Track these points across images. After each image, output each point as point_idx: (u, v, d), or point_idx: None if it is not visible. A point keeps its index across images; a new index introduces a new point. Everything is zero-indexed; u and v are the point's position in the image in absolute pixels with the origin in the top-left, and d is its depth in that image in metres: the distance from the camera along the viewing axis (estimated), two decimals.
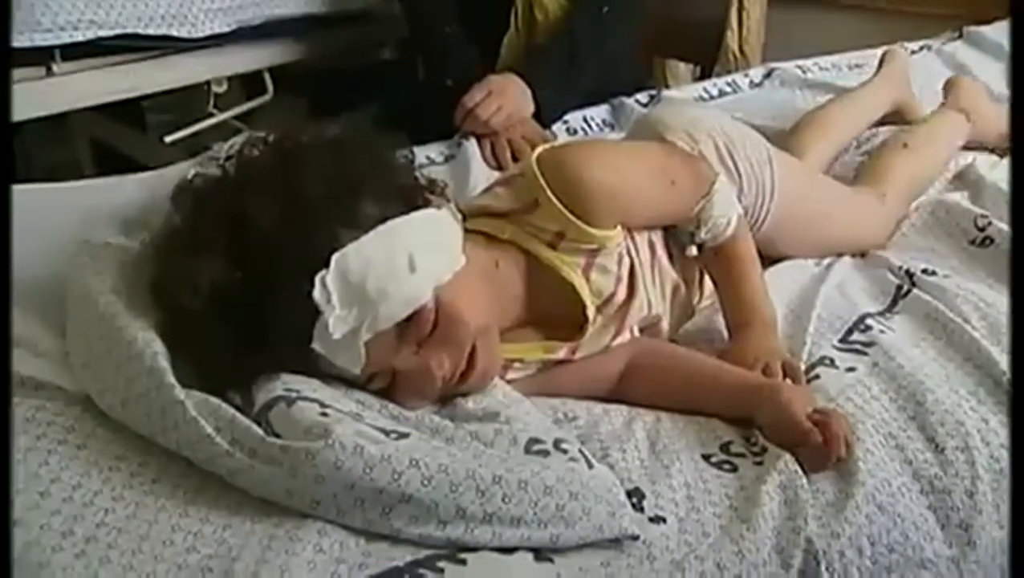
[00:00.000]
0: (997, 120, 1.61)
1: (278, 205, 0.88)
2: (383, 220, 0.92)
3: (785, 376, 1.03)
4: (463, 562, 0.77)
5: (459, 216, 1.03)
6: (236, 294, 0.86)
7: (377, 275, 0.89)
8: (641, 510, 0.85)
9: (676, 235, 1.18)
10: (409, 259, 0.90)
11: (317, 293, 0.87)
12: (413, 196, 0.98)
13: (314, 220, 0.88)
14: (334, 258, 0.88)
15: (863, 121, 1.68)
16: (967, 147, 1.61)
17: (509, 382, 1.03)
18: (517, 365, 1.05)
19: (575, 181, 1.02)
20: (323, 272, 0.87)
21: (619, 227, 1.06)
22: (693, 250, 1.16)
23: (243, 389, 0.89)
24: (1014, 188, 1.08)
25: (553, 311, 1.07)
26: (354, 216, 0.91)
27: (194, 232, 0.91)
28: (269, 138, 0.98)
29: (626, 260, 1.08)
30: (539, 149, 1.06)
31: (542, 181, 1.01)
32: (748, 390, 1.01)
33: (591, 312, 1.06)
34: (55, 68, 1.85)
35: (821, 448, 0.91)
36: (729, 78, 1.96)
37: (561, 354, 1.07)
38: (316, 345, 0.89)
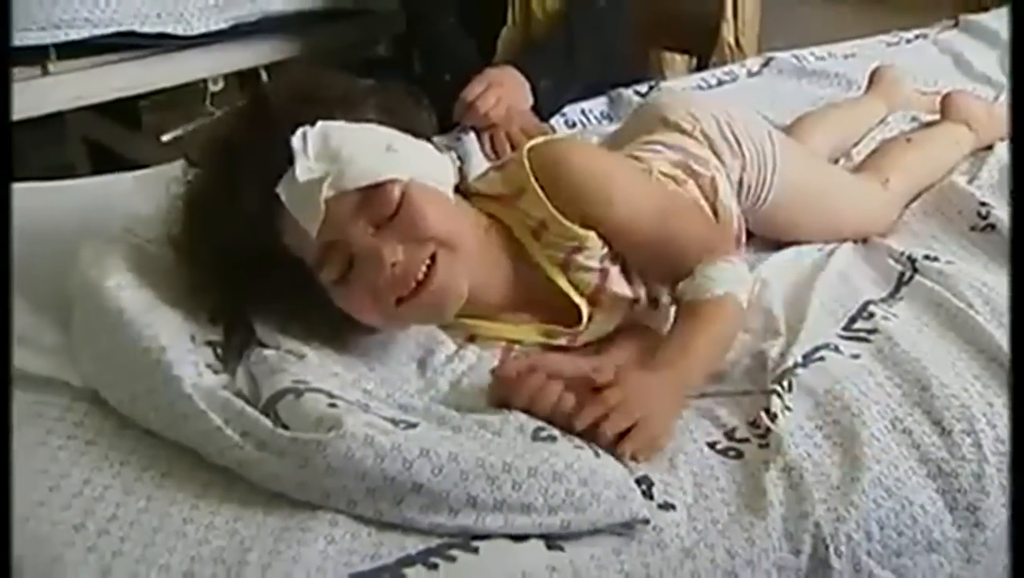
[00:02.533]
0: (999, 123, 1.61)
1: (284, 103, 0.97)
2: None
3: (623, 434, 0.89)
4: (475, 550, 0.77)
5: (456, 167, 1.06)
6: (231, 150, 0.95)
7: (354, 144, 0.94)
8: (651, 498, 0.85)
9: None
10: (388, 143, 0.96)
11: (296, 139, 0.92)
12: (417, 131, 1.02)
13: (315, 110, 0.95)
14: (320, 123, 0.94)
15: (858, 126, 1.68)
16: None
17: None
18: (516, 348, 1.06)
19: (560, 172, 1.04)
20: (306, 127, 0.93)
21: (595, 233, 1.05)
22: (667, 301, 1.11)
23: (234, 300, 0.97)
24: (1014, 184, 1.08)
25: (545, 298, 1.07)
26: (354, 115, 0.97)
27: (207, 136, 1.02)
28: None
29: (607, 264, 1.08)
30: (536, 140, 1.08)
31: (528, 169, 1.03)
32: None
33: (579, 301, 1.06)
34: (50, 67, 1.85)
35: (493, 376, 0.94)
36: (727, 68, 1.97)
37: (562, 341, 1.07)
38: (280, 190, 0.92)
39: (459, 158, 1.11)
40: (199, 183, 0.99)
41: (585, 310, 1.07)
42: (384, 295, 0.95)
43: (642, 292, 1.10)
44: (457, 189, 1.06)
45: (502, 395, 0.92)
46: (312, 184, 0.92)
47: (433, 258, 0.95)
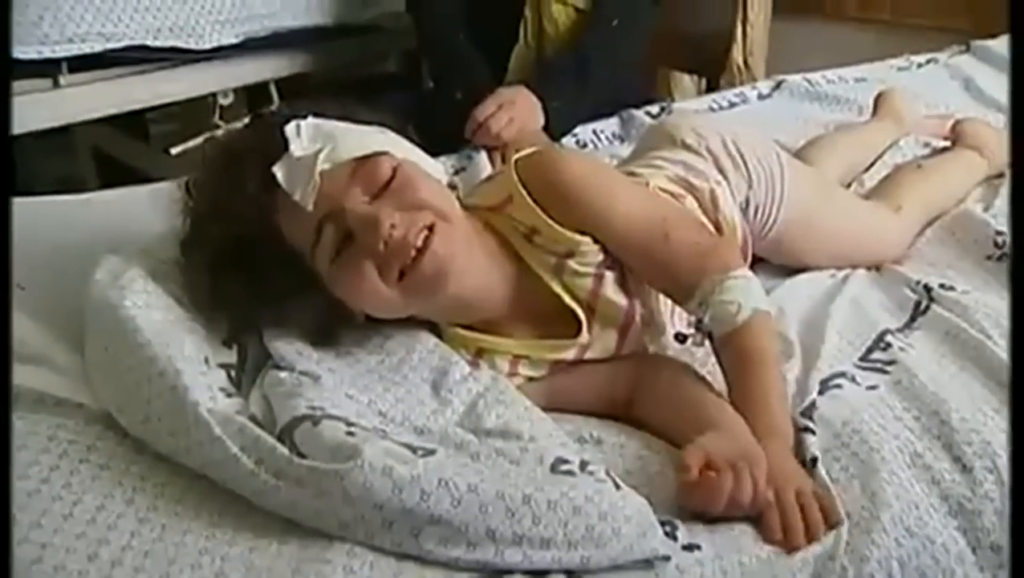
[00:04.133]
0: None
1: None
2: None
3: (802, 510, 0.86)
4: None
5: (446, 178, 1.08)
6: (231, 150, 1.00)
7: (346, 128, 1.00)
8: (675, 539, 0.83)
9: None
10: (379, 129, 1.02)
11: (289, 128, 0.97)
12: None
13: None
14: (312, 117, 0.99)
15: (868, 151, 1.67)
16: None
17: (519, 386, 1.02)
18: (524, 363, 1.06)
19: (548, 178, 1.04)
20: (299, 120, 0.98)
21: (591, 239, 1.05)
22: (697, 338, 1.06)
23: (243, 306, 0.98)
24: (1013, 208, 1.06)
25: (542, 306, 1.07)
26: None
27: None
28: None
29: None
30: (522, 152, 1.08)
31: (515, 176, 1.04)
32: (692, 424, 0.94)
33: (573, 305, 1.06)
34: (62, 80, 1.85)
35: (686, 487, 0.85)
36: (737, 90, 1.97)
37: (571, 355, 1.06)
38: (277, 171, 0.95)
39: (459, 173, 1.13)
40: (202, 187, 1.01)
41: (582, 315, 1.06)
42: (386, 264, 0.95)
43: (638, 304, 1.09)
44: None
45: (698, 504, 0.86)
46: (307, 158, 0.95)
47: (430, 228, 0.96)
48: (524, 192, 1.04)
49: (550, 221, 1.03)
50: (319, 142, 0.97)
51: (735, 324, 0.99)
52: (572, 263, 1.05)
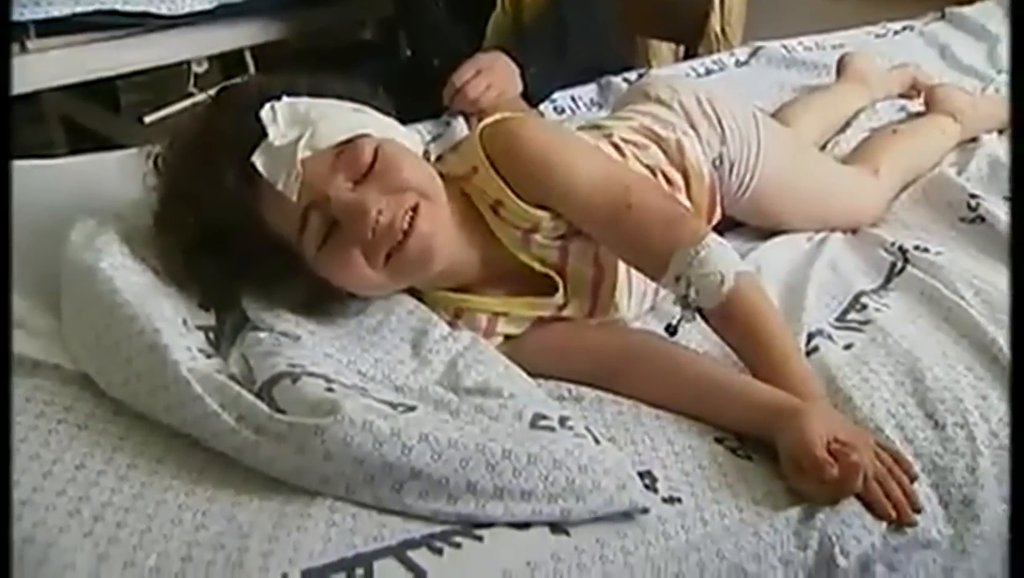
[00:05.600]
0: (984, 115, 1.62)
1: (253, 97, 0.99)
2: None
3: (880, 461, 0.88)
4: (479, 538, 0.77)
5: (421, 149, 1.07)
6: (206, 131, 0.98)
7: (323, 107, 0.98)
8: (655, 491, 0.84)
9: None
10: (356, 108, 1.00)
11: (265, 112, 0.95)
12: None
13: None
14: (286, 97, 0.97)
15: (840, 113, 1.68)
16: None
17: (497, 346, 1.03)
18: (502, 321, 1.06)
19: (512, 151, 1.04)
20: (274, 101, 0.96)
21: (554, 214, 1.04)
22: (688, 316, 1.00)
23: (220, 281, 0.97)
24: (1014, 184, 1.07)
25: (517, 271, 1.07)
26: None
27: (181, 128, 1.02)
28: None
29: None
30: (489, 119, 1.08)
31: (480, 148, 1.04)
32: (771, 409, 0.91)
33: (545, 271, 1.06)
34: (29, 44, 1.81)
35: (835, 482, 0.83)
36: (715, 57, 1.97)
37: (548, 312, 1.07)
38: (256, 160, 0.94)
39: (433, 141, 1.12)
40: (175, 171, 0.99)
41: (556, 278, 1.07)
42: (374, 249, 0.95)
43: (607, 270, 1.09)
44: None
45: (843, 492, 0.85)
46: (287, 147, 0.94)
47: (415, 209, 0.96)
48: (488, 164, 1.03)
49: (513, 196, 1.03)
50: (297, 127, 0.95)
51: (723, 295, 0.96)
52: (537, 237, 1.05)
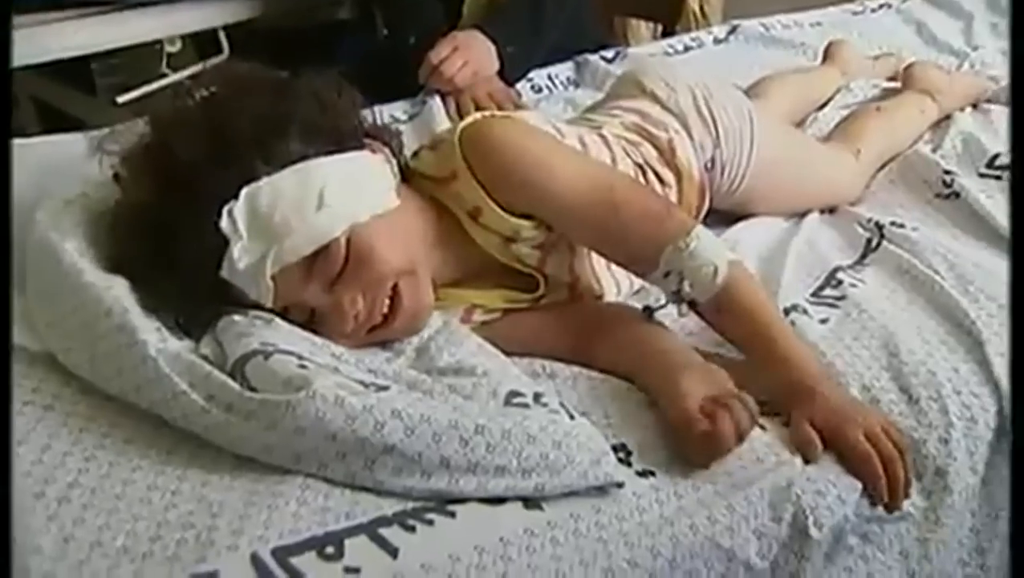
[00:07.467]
0: (960, 93, 1.63)
1: (201, 139, 0.91)
2: (304, 158, 0.93)
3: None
4: (452, 514, 0.76)
5: (394, 162, 1.03)
6: (157, 222, 0.90)
7: (285, 209, 0.90)
8: (629, 465, 0.84)
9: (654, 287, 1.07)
10: (319, 196, 0.92)
11: (224, 222, 0.89)
12: (346, 138, 0.99)
13: (233, 154, 0.91)
14: (245, 191, 0.90)
15: (817, 92, 1.68)
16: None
17: (474, 329, 1.02)
18: (479, 311, 1.05)
19: (492, 157, 1.00)
20: (232, 203, 0.90)
21: (536, 223, 1.02)
22: (681, 311, 1.01)
23: (193, 315, 0.92)
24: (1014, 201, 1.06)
25: (499, 270, 1.06)
26: (275, 152, 0.93)
27: (130, 169, 0.96)
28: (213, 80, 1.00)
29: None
30: (468, 119, 1.05)
31: (458, 152, 1.01)
32: (663, 371, 0.93)
33: (528, 271, 1.06)
34: None
35: (702, 438, 0.84)
36: (693, 35, 1.97)
37: (525, 305, 1.07)
38: (225, 274, 0.91)
39: (402, 134, 1.09)
40: (144, 208, 0.93)
41: (539, 277, 1.07)
42: (357, 332, 0.95)
43: (585, 273, 1.09)
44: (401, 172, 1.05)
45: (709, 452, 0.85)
46: (253, 267, 0.90)
47: (395, 288, 0.95)
48: (469, 173, 1.00)
49: (492, 204, 1.00)
50: (261, 240, 0.89)
51: (718, 286, 0.95)
52: (517, 244, 1.04)
